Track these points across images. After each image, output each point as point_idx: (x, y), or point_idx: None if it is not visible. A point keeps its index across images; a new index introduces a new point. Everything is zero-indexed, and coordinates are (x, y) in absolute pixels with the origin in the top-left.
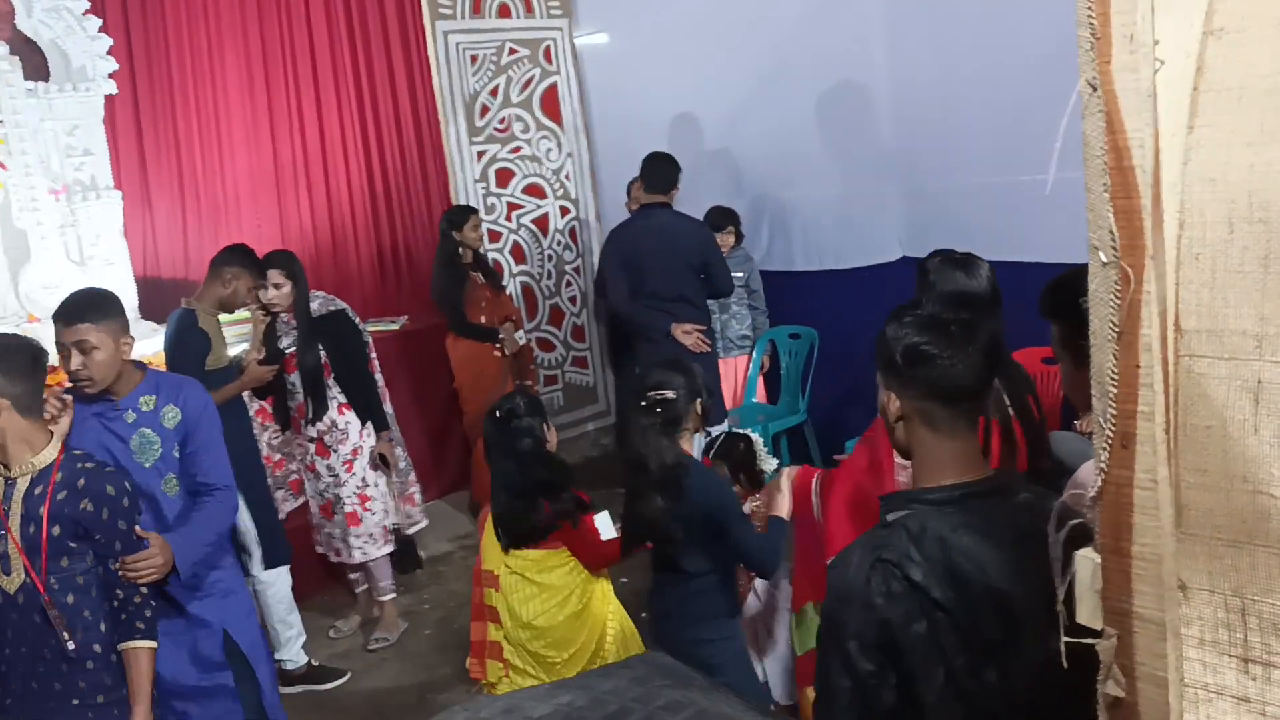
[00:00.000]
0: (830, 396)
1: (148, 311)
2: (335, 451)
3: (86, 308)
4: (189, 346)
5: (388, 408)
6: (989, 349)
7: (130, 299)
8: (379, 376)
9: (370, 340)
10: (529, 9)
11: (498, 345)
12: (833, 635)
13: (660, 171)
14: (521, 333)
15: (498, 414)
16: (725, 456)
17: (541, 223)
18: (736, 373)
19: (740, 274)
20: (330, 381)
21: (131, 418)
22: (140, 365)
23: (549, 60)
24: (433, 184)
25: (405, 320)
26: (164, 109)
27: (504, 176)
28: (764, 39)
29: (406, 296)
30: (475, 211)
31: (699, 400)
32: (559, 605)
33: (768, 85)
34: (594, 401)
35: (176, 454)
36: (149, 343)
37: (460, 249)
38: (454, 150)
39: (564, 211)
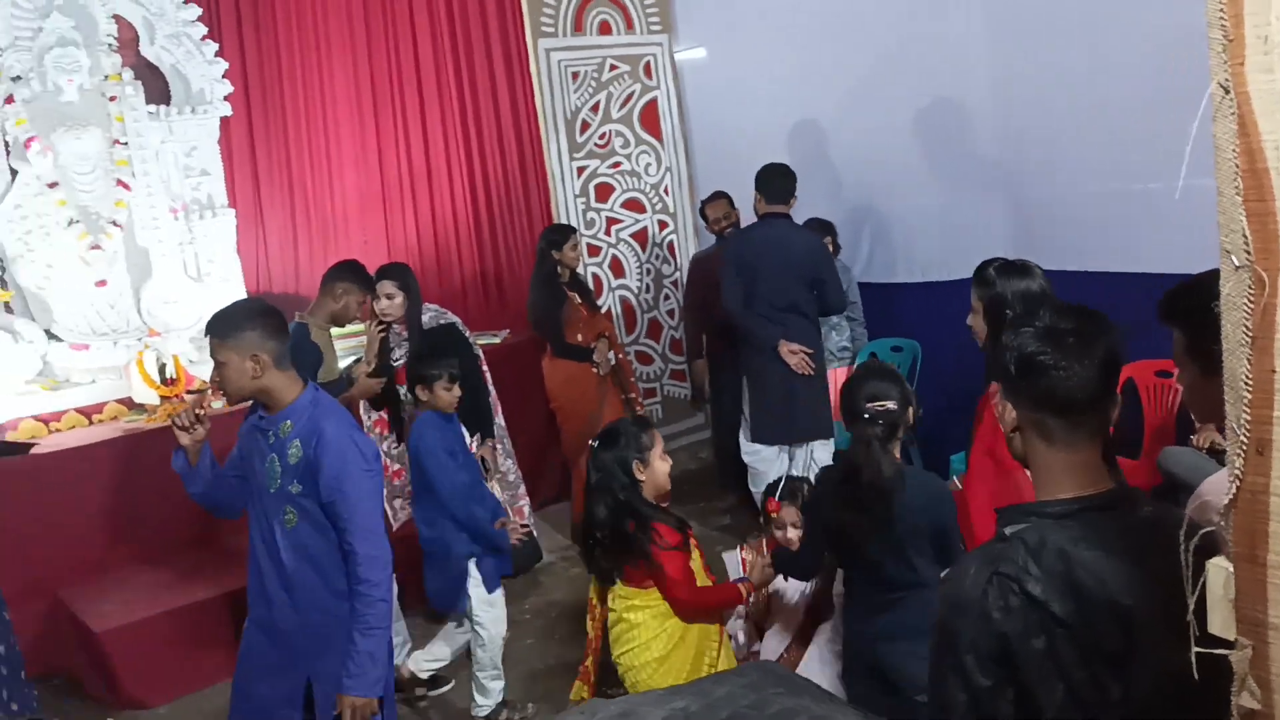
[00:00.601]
0: (934, 410)
1: None
2: None
3: (216, 322)
4: (301, 360)
5: (499, 419)
6: (1107, 361)
7: None
8: (491, 389)
9: (481, 353)
10: (629, 25)
11: (595, 364)
12: (948, 647)
13: (779, 182)
14: (613, 353)
15: (592, 444)
16: (791, 498)
17: (640, 237)
18: (836, 385)
19: None
20: None
21: (271, 439)
22: (306, 383)
23: (649, 75)
24: (534, 199)
25: (507, 334)
26: (276, 129)
27: (603, 191)
28: (863, 48)
29: (508, 310)
30: (574, 231)
31: (911, 408)
32: (642, 647)
33: (867, 94)
34: (691, 414)
35: (295, 489)
36: None
37: (558, 269)
38: (555, 166)
39: (662, 225)
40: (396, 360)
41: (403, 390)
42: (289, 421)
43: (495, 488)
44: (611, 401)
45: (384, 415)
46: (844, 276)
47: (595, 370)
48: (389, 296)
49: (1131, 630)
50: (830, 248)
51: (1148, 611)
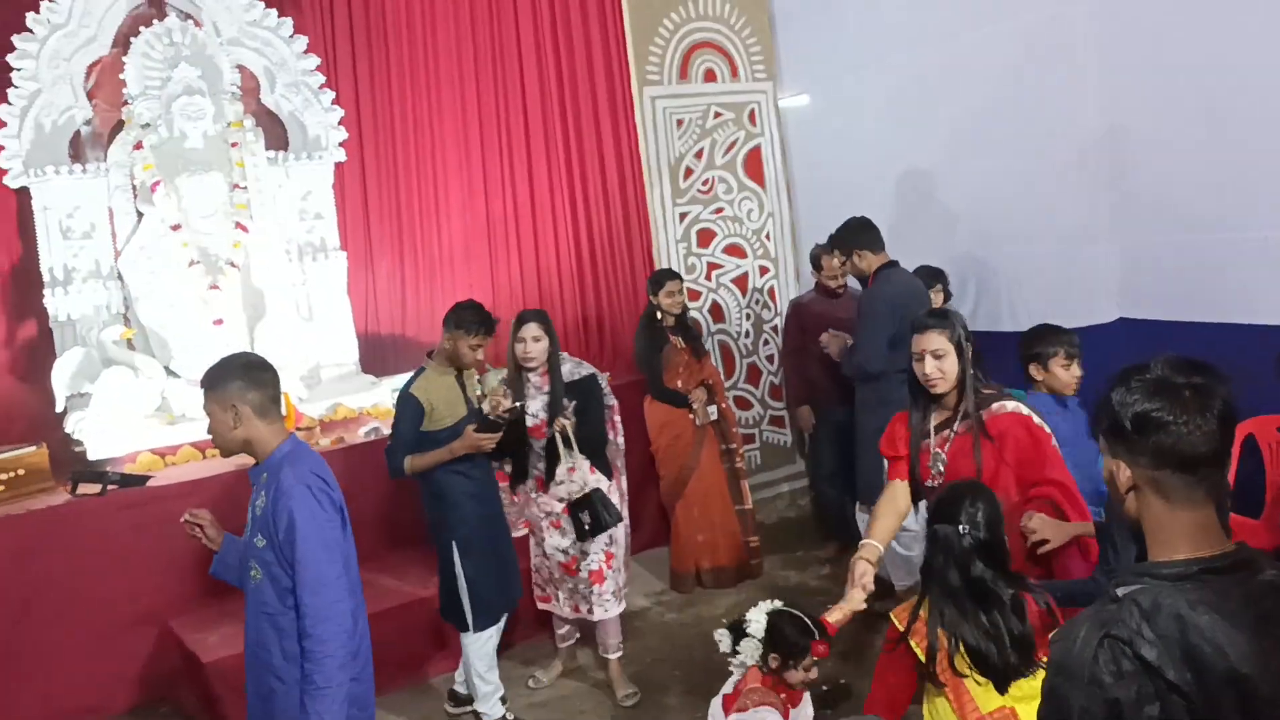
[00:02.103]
0: None
1: (367, 365)
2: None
3: (203, 377)
4: (399, 412)
5: (619, 462)
6: (1224, 415)
7: (351, 353)
8: (620, 441)
9: (615, 403)
10: (734, 74)
11: (692, 411)
12: (1057, 712)
13: (877, 233)
14: (714, 408)
15: (940, 536)
16: (775, 646)
17: (741, 282)
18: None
19: None
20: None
21: (255, 492)
22: (291, 438)
23: (753, 123)
24: (636, 244)
25: (608, 376)
26: (388, 174)
27: (705, 237)
28: (970, 95)
29: (609, 353)
30: (673, 278)
31: None
32: None
33: (974, 141)
34: (791, 461)
35: (259, 543)
36: (368, 395)
37: (658, 312)
38: (657, 211)
39: (763, 271)
40: (534, 410)
41: (538, 442)
42: (265, 474)
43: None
44: (710, 450)
45: (505, 467)
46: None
47: (692, 418)
48: (535, 339)
49: (1254, 702)
50: (941, 295)
51: (1271, 683)
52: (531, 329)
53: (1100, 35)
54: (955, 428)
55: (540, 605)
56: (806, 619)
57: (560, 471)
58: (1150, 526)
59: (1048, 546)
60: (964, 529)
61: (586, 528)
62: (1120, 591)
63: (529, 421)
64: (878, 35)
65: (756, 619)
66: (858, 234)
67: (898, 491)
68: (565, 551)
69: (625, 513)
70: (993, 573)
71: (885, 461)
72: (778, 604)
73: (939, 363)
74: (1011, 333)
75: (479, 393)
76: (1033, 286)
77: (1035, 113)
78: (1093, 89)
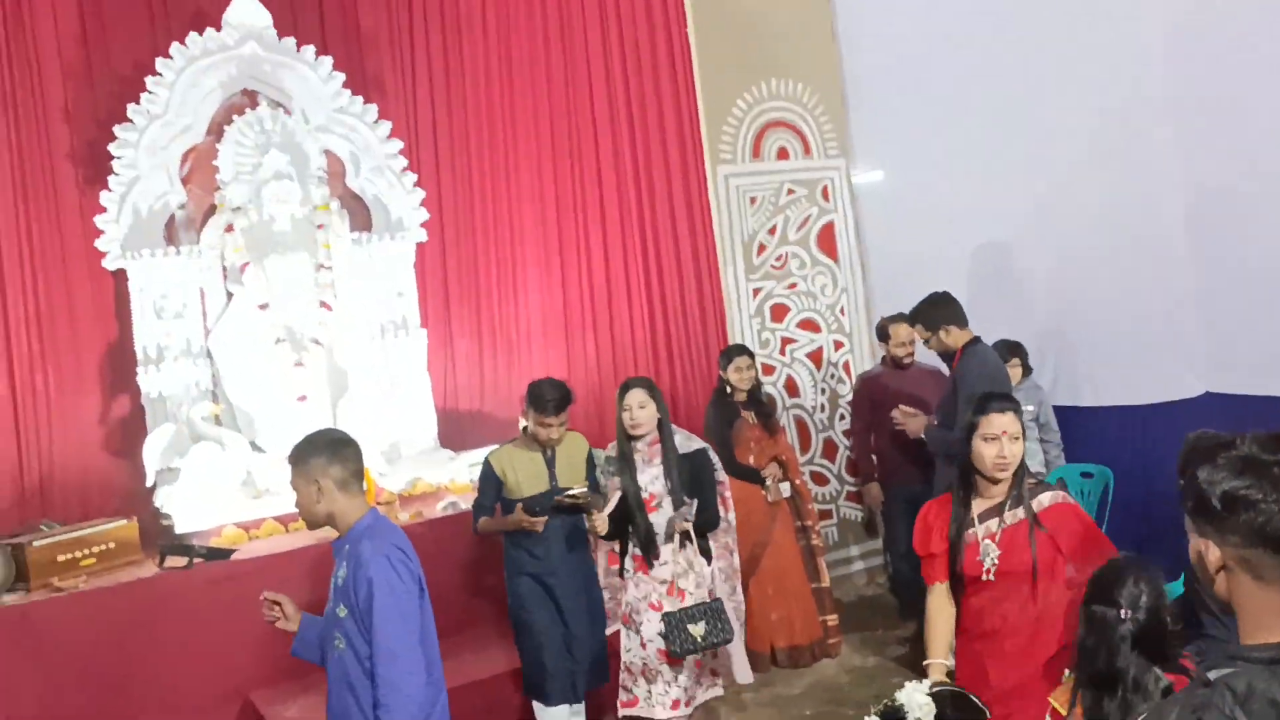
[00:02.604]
0: (1129, 540)
1: (446, 440)
2: (691, 594)
3: (290, 454)
4: (480, 474)
5: (729, 539)
6: None
7: (430, 429)
8: (731, 517)
9: (725, 480)
10: (807, 151)
11: (764, 488)
12: None
13: (960, 307)
14: (787, 484)
15: (1095, 617)
16: None
17: (815, 356)
18: None
19: (1030, 407)
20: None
21: (338, 563)
22: (371, 512)
23: (826, 199)
24: (709, 320)
25: None
26: (467, 254)
27: (779, 311)
28: (1048, 166)
29: (683, 428)
30: (743, 353)
31: None
32: None
33: (1051, 213)
34: (869, 537)
35: (340, 613)
36: (446, 470)
37: (728, 387)
38: (731, 287)
39: (838, 345)
40: (644, 482)
41: (659, 520)
42: (346, 545)
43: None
44: (784, 527)
45: (614, 548)
46: (1035, 396)
47: (764, 494)
48: (640, 406)
49: None
50: (1020, 369)
51: None
52: (637, 395)
53: (1180, 103)
54: (1005, 517)
55: (624, 711)
56: (972, 696)
57: (665, 551)
58: (1242, 608)
59: None
60: (1125, 613)
61: (698, 640)
62: (1212, 675)
63: (641, 494)
64: (952, 110)
65: (918, 702)
66: (943, 309)
67: (944, 597)
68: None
69: (737, 585)
70: (1145, 662)
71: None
72: (922, 683)
73: (1014, 446)
74: (1093, 408)
75: (601, 467)
76: (1116, 360)
77: (1115, 183)
78: (1173, 158)
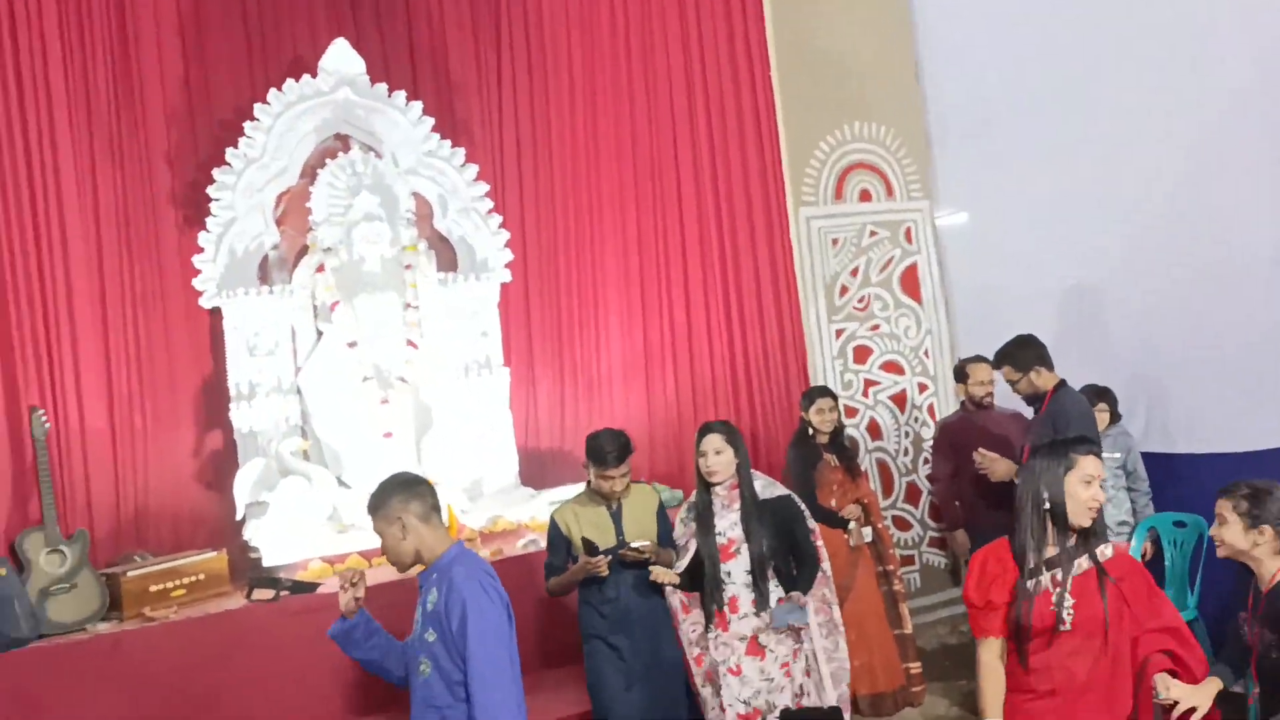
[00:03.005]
0: (1224, 591)
1: (526, 478)
2: (772, 653)
3: (369, 501)
4: (548, 544)
5: (827, 590)
6: None
7: (512, 467)
8: (827, 565)
9: (816, 527)
10: (890, 193)
11: (846, 532)
12: None
13: (1047, 350)
14: (869, 529)
15: None
16: None
17: (899, 399)
18: None
19: (1117, 454)
20: (769, 572)
21: (422, 592)
22: (458, 544)
23: (909, 240)
24: (791, 362)
25: None
26: (550, 294)
27: (861, 353)
28: (1139, 208)
29: (763, 470)
30: (825, 395)
31: None
32: None
33: (1140, 255)
34: (952, 585)
35: (430, 637)
36: (526, 508)
37: (810, 429)
38: (813, 328)
39: (922, 388)
40: (721, 529)
41: (726, 568)
42: (434, 573)
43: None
44: (865, 572)
45: (683, 599)
46: (1123, 443)
47: (846, 538)
48: (717, 452)
49: None
50: (1108, 414)
51: None
52: (714, 441)
53: (1272, 139)
54: (1073, 566)
55: None
56: None
57: (745, 602)
58: None
59: (1196, 717)
60: None
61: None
62: None
63: (718, 540)
64: (1036, 150)
65: None
66: (1034, 350)
67: (998, 652)
68: (747, 703)
69: (840, 641)
70: None
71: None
72: None
73: (1101, 492)
74: (1187, 455)
75: (682, 516)
76: (1211, 406)
77: (1207, 223)
78: (1266, 197)
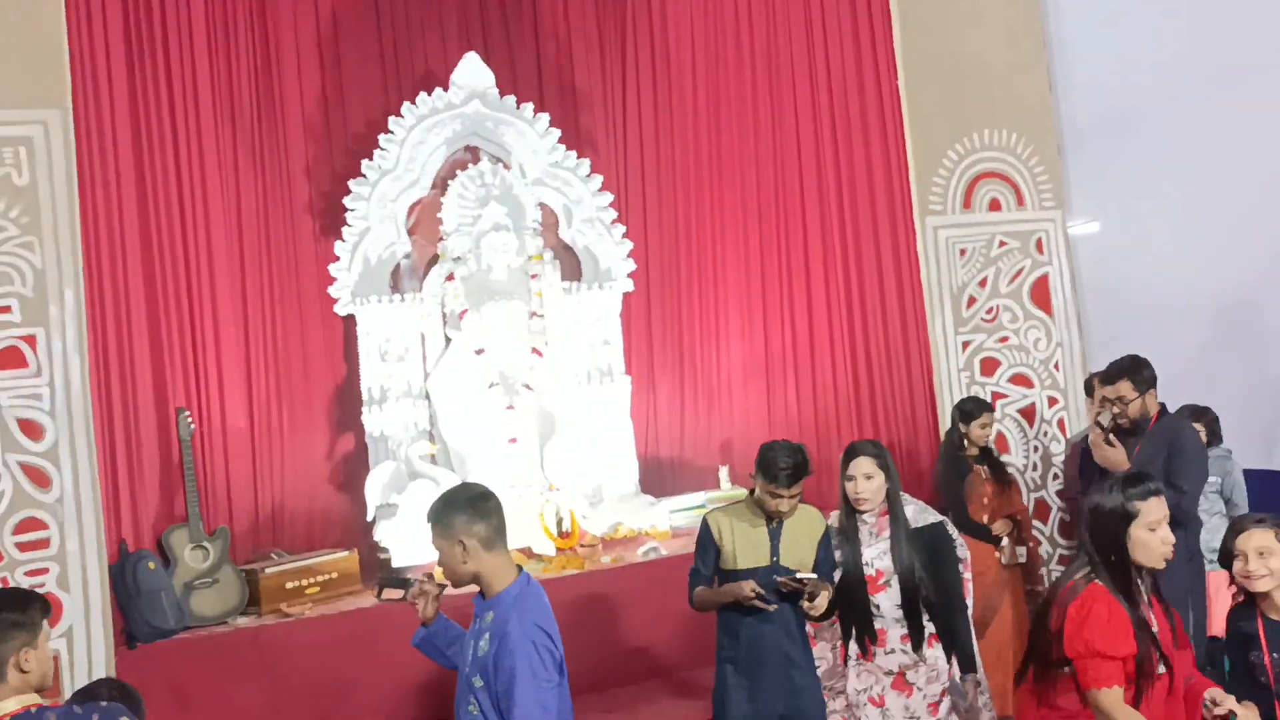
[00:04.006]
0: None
1: (646, 486)
2: (920, 691)
3: (430, 512)
4: (697, 548)
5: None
6: None
7: (632, 474)
8: (969, 601)
9: (967, 557)
10: (1020, 202)
11: (998, 548)
12: None
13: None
14: (1023, 549)
15: None
16: None
17: (1028, 413)
18: (1212, 591)
19: (1215, 479)
20: (921, 606)
21: (477, 625)
22: (523, 576)
23: (1040, 251)
24: (915, 372)
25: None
26: (671, 302)
27: (989, 366)
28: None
29: (917, 499)
30: (989, 410)
31: None
32: None
33: None
34: None
35: (477, 683)
36: (646, 515)
37: (965, 442)
38: (939, 340)
39: (1052, 402)
40: (869, 558)
41: (875, 599)
42: (491, 613)
43: None
44: (1014, 597)
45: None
46: (1221, 467)
47: (997, 556)
48: (867, 477)
49: None
50: (1203, 435)
51: None
52: (863, 465)
53: None
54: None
55: None
56: None
57: (894, 637)
58: None
59: None
60: None
61: None
62: None
63: (865, 571)
64: (1175, 159)
65: None
66: (1151, 371)
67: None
68: None
69: (989, 707)
70: None
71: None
72: None
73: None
74: None
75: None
76: None
77: None
78: None
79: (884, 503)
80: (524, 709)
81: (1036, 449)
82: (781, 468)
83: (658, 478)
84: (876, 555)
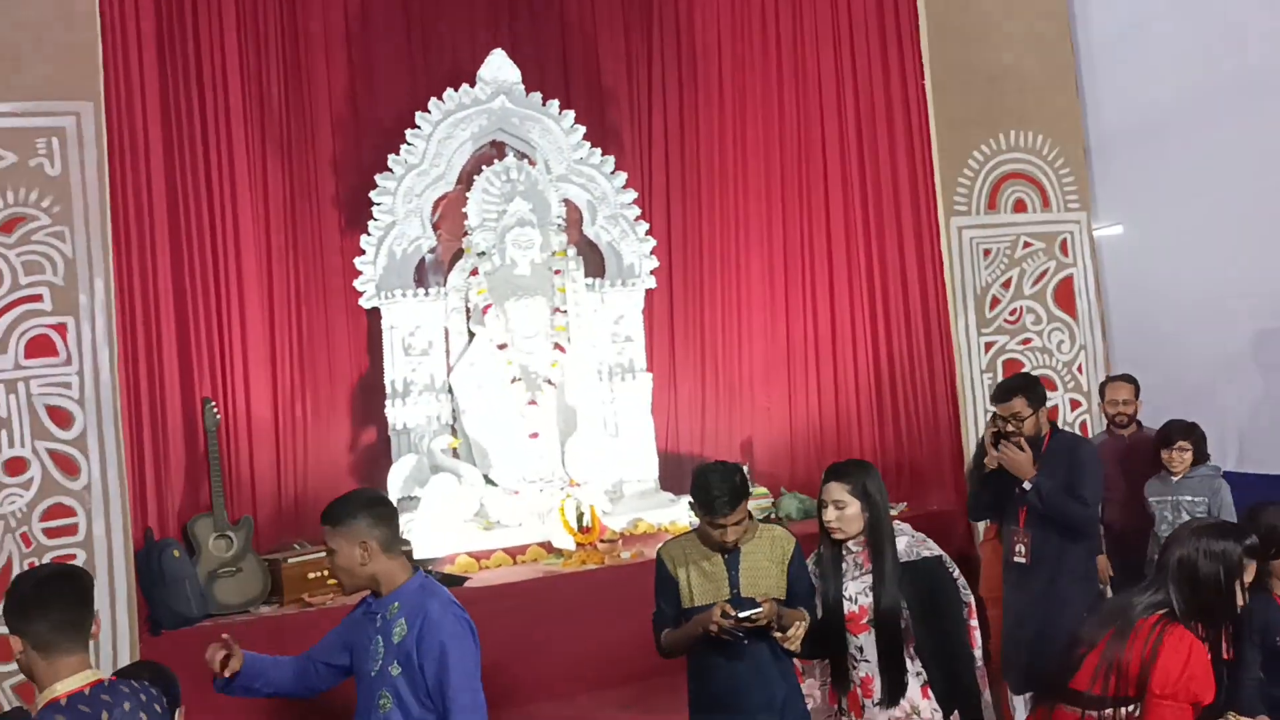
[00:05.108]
0: None
1: (666, 482)
2: None
3: (330, 510)
4: (657, 588)
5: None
6: None
7: (652, 470)
8: (978, 654)
9: (970, 601)
10: (1046, 204)
11: None
12: None
13: None
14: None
15: None
16: None
17: (1050, 415)
18: None
19: (1201, 498)
20: (911, 652)
21: (379, 622)
22: (419, 569)
23: (1065, 253)
24: (938, 372)
25: (904, 506)
26: (693, 300)
27: (1012, 367)
28: None
29: (908, 481)
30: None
31: None
32: None
33: None
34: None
35: (394, 671)
36: (666, 512)
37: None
38: (961, 340)
39: (1074, 404)
40: (851, 594)
41: (857, 641)
42: (396, 603)
43: None
44: None
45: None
46: (1209, 485)
47: None
48: (837, 505)
49: None
50: (1191, 455)
51: None
52: (833, 490)
53: None
54: None
55: None
56: None
57: (880, 685)
58: None
59: None
60: None
61: None
62: None
63: (846, 608)
64: (1202, 163)
65: None
66: (1042, 390)
67: None
68: None
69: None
70: None
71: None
72: None
73: None
74: None
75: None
76: None
77: None
78: None
79: (864, 533)
80: (465, 674)
81: None
82: (716, 495)
83: (678, 474)
84: (860, 591)
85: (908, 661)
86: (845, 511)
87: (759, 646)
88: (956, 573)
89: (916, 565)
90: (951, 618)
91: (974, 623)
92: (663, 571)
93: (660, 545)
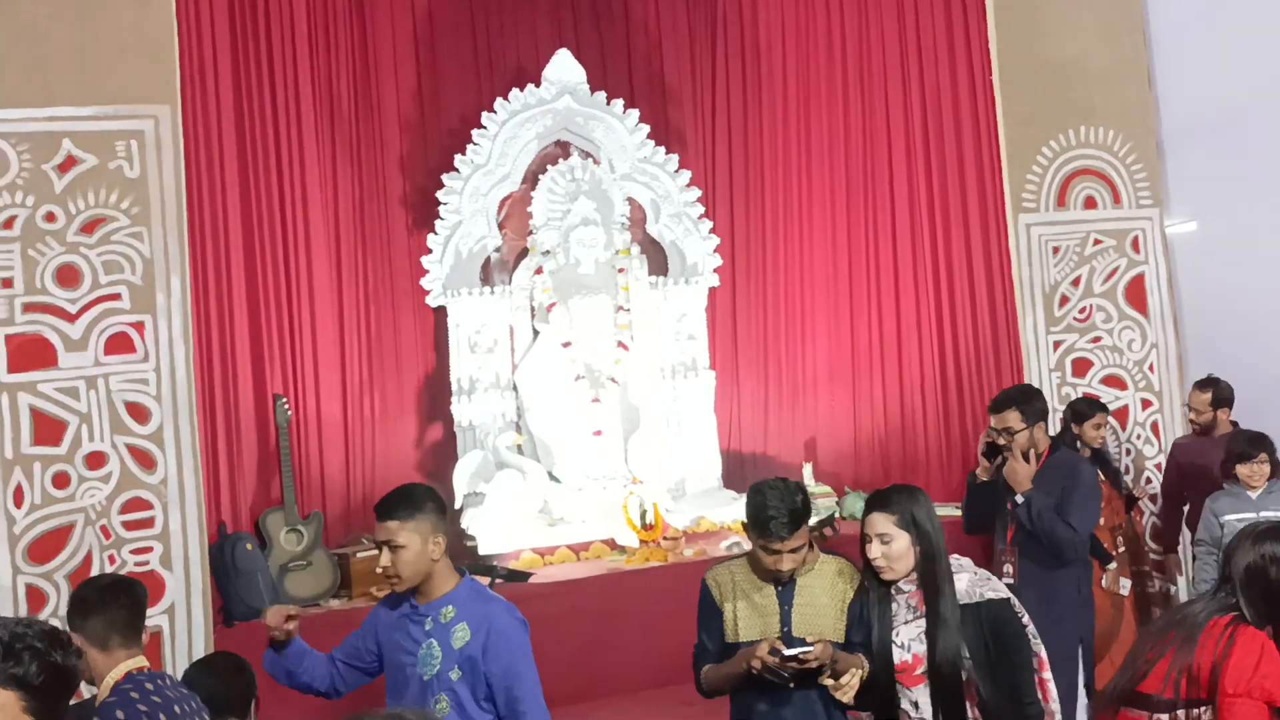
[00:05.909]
0: None
1: (729, 481)
2: None
3: (397, 504)
4: (700, 617)
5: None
6: None
7: (715, 469)
8: (1054, 707)
9: (1041, 651)
10: (1117, 200)
11: (1104, 569)
12: None
13: None
14: (1128, 582)
15: None
16: None
17: (1120, 415)
18: None
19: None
20: (975, 712)
21: (429, 625)
22: (462, 572)
23: (1136, 250)
24: (1005, 371)
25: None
26: (756, 299)
27: (1080, 366)
28: None
29: (971, 565)
30: (1104, 410)
31: None
32: None
33: None
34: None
35: (454, 675)
36: (728, 510)
37: (1078, 444)
38: (1029, 339)
39: (1145, 404)
40: (902, 640)
41: (910, 693)
42: (450, 607)
43: None
44: (1129, 627)
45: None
46: None
47: (1105, 571)
48: (883, 539)
49: None
50: (1269, 466)
51: None
52: (876, 522)
53: None
54: None
55: None
56: None
57: None
58: None
59: None
60: None
61: None
62: None
63: (897, 657)
64: (1278, 158)
65: None
66: (1042, 404)
67: None
68: None
69: None
70: None
71: None
72: None
73: None
74: None
75: None
76: None
77: None
78: None
79: (914, 571)
80: (532, 681)
81: (1129, 452)
82: (772, 515)
83: (740, 473)
84: (913, 638)
85: (972, 709)
86: (892, 547)
87: (808, 695)
88: (1026, 618)
89: (979, 608)
90: (1021, 668)
91: (1047, 675)
92: (707, 599)
93: (708, 569)
